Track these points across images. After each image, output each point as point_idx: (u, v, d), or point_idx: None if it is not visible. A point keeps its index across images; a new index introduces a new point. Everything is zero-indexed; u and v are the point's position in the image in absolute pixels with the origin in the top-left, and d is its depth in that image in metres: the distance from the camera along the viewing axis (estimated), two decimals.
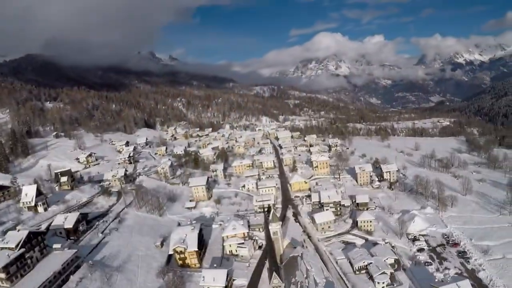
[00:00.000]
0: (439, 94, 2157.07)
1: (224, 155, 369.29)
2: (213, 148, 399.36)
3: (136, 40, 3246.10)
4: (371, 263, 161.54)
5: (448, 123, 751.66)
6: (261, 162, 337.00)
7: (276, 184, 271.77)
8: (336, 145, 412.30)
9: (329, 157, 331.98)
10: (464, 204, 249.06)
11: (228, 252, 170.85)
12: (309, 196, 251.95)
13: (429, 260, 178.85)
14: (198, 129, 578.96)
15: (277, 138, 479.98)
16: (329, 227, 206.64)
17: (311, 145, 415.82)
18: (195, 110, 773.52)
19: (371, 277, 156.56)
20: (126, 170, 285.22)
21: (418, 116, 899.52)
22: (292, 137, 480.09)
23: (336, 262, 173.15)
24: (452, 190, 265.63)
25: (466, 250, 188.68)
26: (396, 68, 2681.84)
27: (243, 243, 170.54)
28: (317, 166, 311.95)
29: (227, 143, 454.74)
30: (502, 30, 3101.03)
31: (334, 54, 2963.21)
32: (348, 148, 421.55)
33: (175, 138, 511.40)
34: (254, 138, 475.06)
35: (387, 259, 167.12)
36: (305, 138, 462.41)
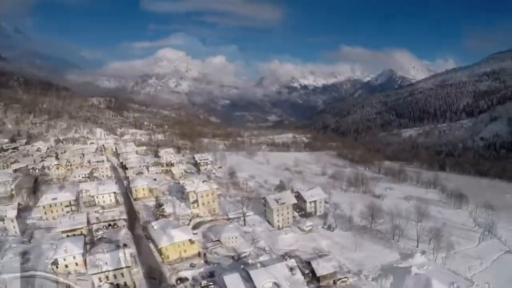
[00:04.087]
0: (275, 114, 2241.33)
1: (30, 183, 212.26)
2: (15, 170, 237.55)
3: None
4: None
5: (305, 139, 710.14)
6: (93, 197, 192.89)
7: (131, 255, 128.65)
8: (207, 163, 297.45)
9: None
10: None
11: None
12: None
13: None
14: (7, 140, 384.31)
15: (117, 155, 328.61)
16: None
17: (171, 164, 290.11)
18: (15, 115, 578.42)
19: None
20: None
21: (270, 132, 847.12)
22: (137, 152, 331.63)
23: None
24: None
25: None
26: (235, 89, 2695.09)
27: None
28: (196, 201, 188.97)
29: (42, 161, 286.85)
30: (336, 60, 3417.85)
31: (175, 71, 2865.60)
32: (221, 167, 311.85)
33: None
34: (83, 154, 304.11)
35: None
36: (159, 154, 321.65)
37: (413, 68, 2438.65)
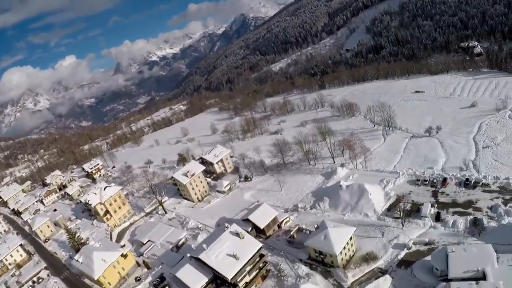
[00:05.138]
0: (144, 94, 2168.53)
1: None
2: None
3: None
4: None
5: (182, 107, 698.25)
6: (1, 261, 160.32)
7: None
8: (98, 168, 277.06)
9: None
10: None
11: None
12: None
13: None
14: None
15: (5, 203, 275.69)
16: None
17: (64, 186, 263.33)
18: None
19: None
20: None
21: (146, 113, 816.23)
22: (24, 191, 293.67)
23: None
24: None
25: None
26: (95, 84, 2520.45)
27: None
28: (107, 212, 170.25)
29: None
30: (186, 22, 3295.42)
31: (29, 89, 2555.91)
32: (114, 167, 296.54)
33: None
34: None
35: None
36: (47, 181, 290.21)
37: (263, 7, 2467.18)
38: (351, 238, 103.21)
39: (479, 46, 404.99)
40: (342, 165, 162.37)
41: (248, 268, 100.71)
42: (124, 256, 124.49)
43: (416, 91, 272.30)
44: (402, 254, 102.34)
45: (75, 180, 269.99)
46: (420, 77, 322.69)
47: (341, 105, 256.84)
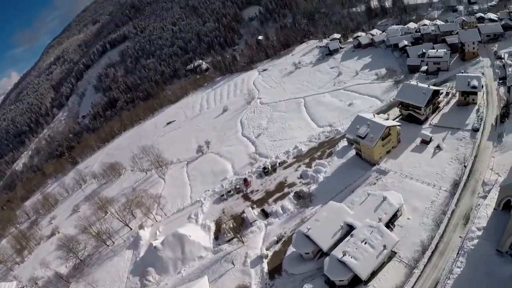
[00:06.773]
0: None
1: None
2: None
3: None
4: None
5: None
6: None
7: None
8: None
9: None
10: None
11: None
12: None
13: None
14: None
15: None
16: None
17: None
18: None
19: None
20: None
21: None
22: None
23: None
24: None
25: None
26: None
27: None
28: None
29: None
30: None
31: None
32: None
33: None
34: None
35: None
36: None
37: None
38: None
39: (203, 63, 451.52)
40: (141, 226, 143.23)
41: None
42: None
43: (168, 123, 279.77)
44: (265, 266, 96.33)
45: None
46: (165, 110, 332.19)
47: (103, 170, 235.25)
